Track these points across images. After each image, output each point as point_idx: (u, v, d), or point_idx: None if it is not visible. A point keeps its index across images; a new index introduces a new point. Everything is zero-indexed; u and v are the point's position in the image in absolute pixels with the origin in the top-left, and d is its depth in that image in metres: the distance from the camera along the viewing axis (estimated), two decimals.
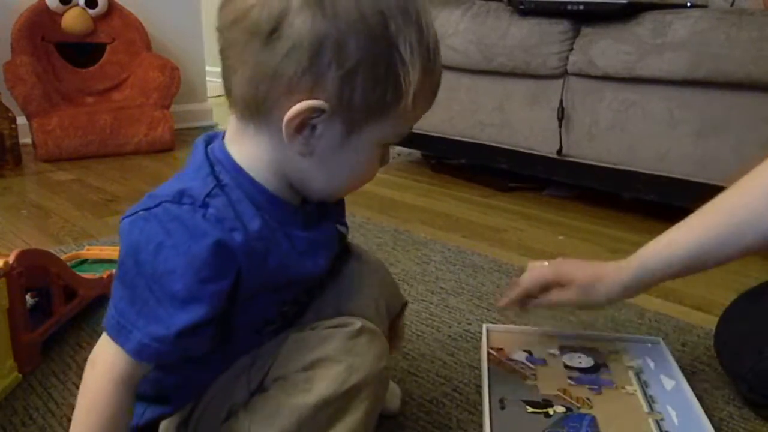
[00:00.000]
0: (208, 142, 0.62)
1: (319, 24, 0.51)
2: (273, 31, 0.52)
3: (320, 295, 0.68)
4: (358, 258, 0.74)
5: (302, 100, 0.53)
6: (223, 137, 0.61)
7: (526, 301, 0.90)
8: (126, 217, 0.57)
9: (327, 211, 0.67)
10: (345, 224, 0.72)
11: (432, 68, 0.57)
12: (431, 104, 0.61)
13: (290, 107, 0.53)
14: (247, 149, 0.59)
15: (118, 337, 0.56)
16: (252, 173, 0.59)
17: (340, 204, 0.71)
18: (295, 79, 0.53)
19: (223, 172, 0.58)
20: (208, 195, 0.56)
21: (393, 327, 0.85)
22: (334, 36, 0.51)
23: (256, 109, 0.56)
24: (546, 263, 0.90)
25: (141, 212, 0.56)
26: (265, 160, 0.59)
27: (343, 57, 0.52)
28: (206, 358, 0.62)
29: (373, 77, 0.53)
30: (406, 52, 0.54)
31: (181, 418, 0.66)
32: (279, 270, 0.60)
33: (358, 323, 0.62)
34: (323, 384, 0.59)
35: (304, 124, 0.55)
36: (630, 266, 0.84)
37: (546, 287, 0.88)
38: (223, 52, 0.56)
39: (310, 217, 0.64)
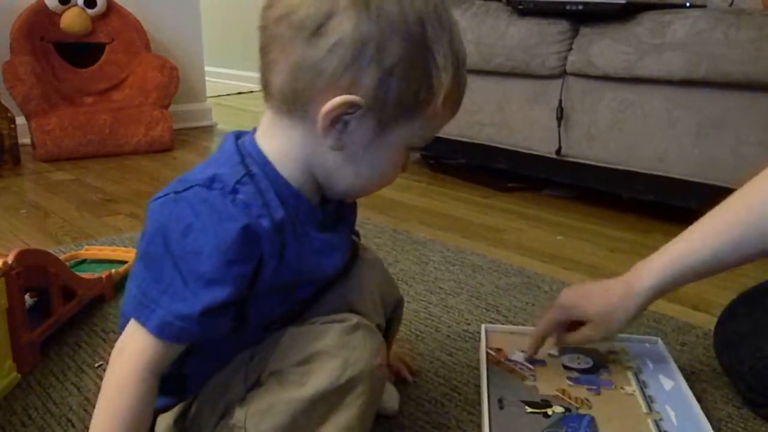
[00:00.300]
0: (238, 136, 0.64)
1: (363, 24, 0.54)
2: (319, 28, 0.54)
3: (325, 292, 0.69)
4: (358, 254, 0.75)
5: (341, 95, 0.56)
6: (254, 133, 0.63)
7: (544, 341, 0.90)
8: (155, 199, 0.59)
9: (343, 216, 0.69)
10: (357, 233, 0.74)
11: (460, 77, 0.60)
12: (455, 112, 0.63)
13: (328, 101, 0.56)
14: (278, 144, 0.61)
15: (141, 315, 0.57)
16: (279, 168, 0.61)
17: (353, 212, 0.72)
18: (336, 75, 0.55)
19: (252, 163, 0.60)
20: (238, 182, 0.58)
21: (398, 357, 0.88)
22: (376, 36, 0.54)
23: (293, 101, 0.58)
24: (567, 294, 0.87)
25: (171, 195, 0.58)
26: (294, 155, 0.60)
27: (383, 57, 0.55)
28: (209, 349, 0.63)
29: (408, 77, 0.56)
30: (440, 56, 0.57)
31: (178, 413, 0.66)
32: (295, 265, 0.61)
33: (354, 319, 0.63)
34: (318, 378, 0.59)
35: (339, 118, 0.57)
36: (642, 283, 0.81)
37: (562, 326, 0.87)
38: (265, 48, 0.58)
39: (327, 219, 0.65)
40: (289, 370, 0.60)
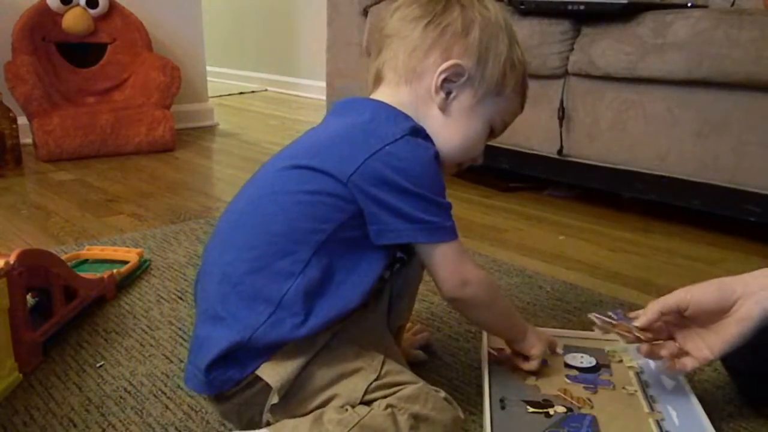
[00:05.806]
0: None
1: (468, 13, 0.74)
2: (432, 18, 0.73)
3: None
4: None
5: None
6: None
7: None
8: (387, 145, 0.68)
9: None
10: None
11: (527, 71, 0.79)
12: (522, 107, 0.82)
13: (440, 66, 0.73)
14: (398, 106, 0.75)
15: (439, 236, 0.70)
16: None
17: None
18: (447, 51, 0.73)
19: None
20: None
21: None
22: (479, 22, 0.73)
23: (413, 72, 0.75)
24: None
25: (406, 137, 0.70)
26: (412, 115, 0.74)
27: (482, 37, 0.73)
28: (358, 271, 0.69)
29: (499, 57, 0.75)
30: (517, 46, 0.77)
31: (294, 372, 0.67)
32: None
33: (459, 411, 0.71)
34: None
35: (447, 81, 0.73)
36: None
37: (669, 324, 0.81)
38: (383, 46, 0.77)
39: None
40: (405, 413, 0.66)
